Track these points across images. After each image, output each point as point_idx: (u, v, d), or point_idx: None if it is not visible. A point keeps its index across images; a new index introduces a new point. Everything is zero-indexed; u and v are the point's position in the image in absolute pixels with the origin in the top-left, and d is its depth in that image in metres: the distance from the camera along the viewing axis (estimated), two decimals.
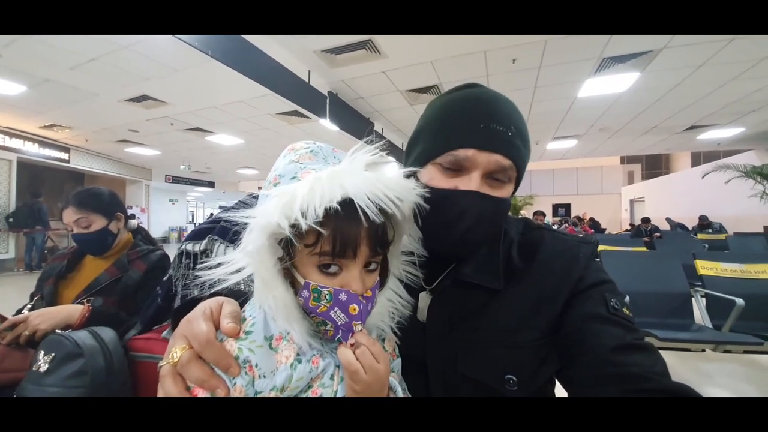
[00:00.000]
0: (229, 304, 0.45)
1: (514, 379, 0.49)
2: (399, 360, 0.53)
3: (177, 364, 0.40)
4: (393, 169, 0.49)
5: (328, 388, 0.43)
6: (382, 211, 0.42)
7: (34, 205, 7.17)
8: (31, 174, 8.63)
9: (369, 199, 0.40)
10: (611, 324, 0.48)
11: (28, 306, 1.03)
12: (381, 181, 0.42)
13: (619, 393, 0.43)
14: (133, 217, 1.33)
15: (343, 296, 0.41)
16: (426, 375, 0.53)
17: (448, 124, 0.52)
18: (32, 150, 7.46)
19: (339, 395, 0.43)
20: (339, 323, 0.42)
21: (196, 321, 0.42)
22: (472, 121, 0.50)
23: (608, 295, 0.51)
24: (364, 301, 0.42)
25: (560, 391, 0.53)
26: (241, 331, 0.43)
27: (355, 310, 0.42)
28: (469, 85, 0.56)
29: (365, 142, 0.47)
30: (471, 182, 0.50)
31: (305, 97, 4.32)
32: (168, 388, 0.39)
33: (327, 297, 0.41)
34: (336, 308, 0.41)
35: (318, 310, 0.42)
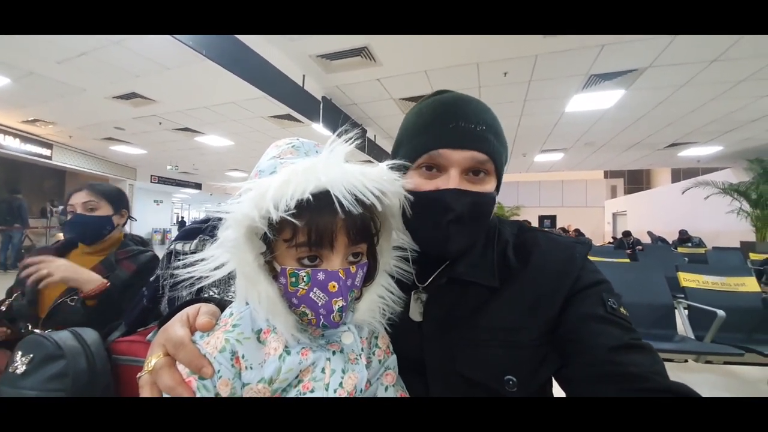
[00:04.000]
0: (206, 306, 0.46)
1: (514, 379, 0.49)
2: (394, 357, 0.53)
3: (152, 373, 0.40)
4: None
5: (320, 381, 0.43)
6: (362, 202, 0.41)
7: (12, 201, 6.90)
8: (9, 169, 8.34)
9: (345, 189, 0.40)
10: (609, 324, 0.49)
11: (6, 302, 0.99)
12: (361, 172, 0.43)
13: (618, 392, 0.43)
14: (134, 219, 1.35)
15: (321, 275, 0.41)
16: (424, 375, 0.53)
17: (422, 129, 0.55)
18: (13, 145, 7.18)
19: (332, 388, 0.43)
20: (319, 304, 0.41)
21: (172, 327, 0.43)
22: (441, 122, 0.54)
23: (605, 295, 0.52)
24: (344, 277, 0.42)
25: (558, 391, 0.53)
26: (228, 324, 0.43)
27: (334, 287, 0.41)
28: (441, 92, 0.60)
29: (339, 133, 0.48)
30: (450, 180, 0.52)
31: (299, 101, 4.31)
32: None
33: (305, 279, 0.41)
34: (315, 288, 0.41)
35: (297, 295, 0.42)
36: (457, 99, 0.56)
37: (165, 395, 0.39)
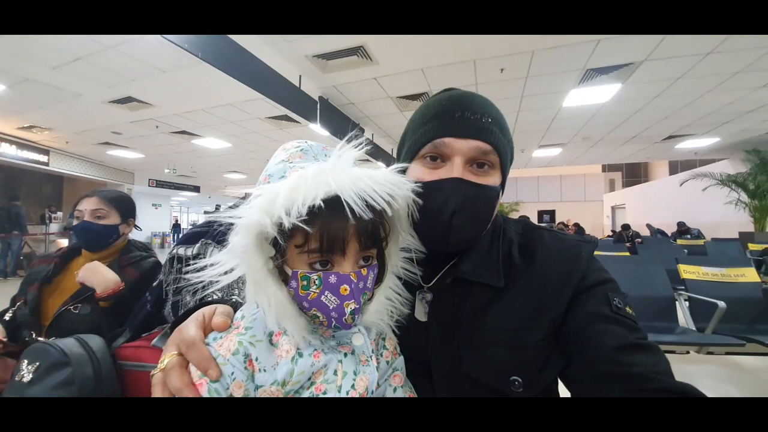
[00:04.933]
0: (222, 307, 0.46)
1: (519, 380, 0.49)
2: (401, 358, 0.53)
3: (163, 371, 0.40)
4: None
5: (332, 383, 0.43)
6: (372, 207, 0.41)
7: (11, 208, 6.86)
8: (7, 176, 8.31)
9: (356, 194, 0.40)
10: (614, 323, 0.48)
11: (11, 311, 0.98)
12: (369, 176, 0.43)
13: (622, 392, 0.43)
14: (140, 229, 1.35)
15: (333, 278, 0.41)
16: (430, 376, 0.53)
17: (428, 119, 0.56)
18: (9, 152, 7.15)
19: (344, 390, 0.43)
20: (330, 307, 0.41)
21: (186, 327, 0.43)
22: (448, 112, 0.54)
23: (611, 294, 0.51)
24: (356, 280, 0.42)
25: (563, 392, 0.53)
26: (241, 327, 0.43)
27: (346, 290, 0.41)
28: (448, 89, 0.60)
29: (349, 139, 0.48)
30: (453, 170, 0.52)
31: (296, 102, 4.29)
32: (159, 396, 0.39)
33: (317, 282, 0.41)
34: (326, 292, 0.41)
35: (309, 298, 0.42)
36: (463, 93, 0.57)
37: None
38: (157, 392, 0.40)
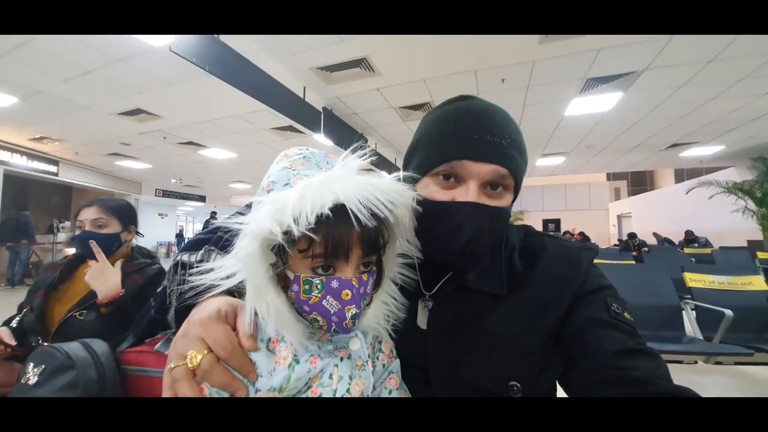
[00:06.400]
0: (243, 312, 0.44)
1: (518, 385, 0.49)
2: (397, 361, 0.53)
3: (197, 369, 0.40)
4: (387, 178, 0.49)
5: (327, 387, 0.43)
6: (375, 215, 0.42)
7: (20, 218, 6.97)
8: (17, 187, 8.46)
9: (360, 203, 0.41)
10: (613, 329, 0.49)
11: (17, 318, 1.00)
12: (373, 184, 0.43)
13: (621, 396, 0.43)
14: (142, 235, 1.36)
15: (335, 283, 0.42)
16: (428, 382, 0.53)
17: (443, 136, 0.53)
18: (20, 162, 7.32)
19: (339, 394, 0.43)
20: (331, 312, 0.42)
21: (213, 325, 0.42)
22: (465, 132, 0.51)
23: (610, 300, 0.52)
24: (357, 285, 0.43)
25: (561, 395, 0.53)
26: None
27: (347, 295, 0.42)
28: (463, 97, 0.57)
29: (354, 149, 0.48)
30: (468, 193, 0.51)
31: (300, 113, 4.36)
32: (184, 391, 0.39)
33: (318, 287, 0.42)
34: (328, 296, 0.42)
35: (310, 302, 0.42)
36: (483, 109, 0.54)
37: (207, 392, 0.39)
38: (184, 387, 0.39)
